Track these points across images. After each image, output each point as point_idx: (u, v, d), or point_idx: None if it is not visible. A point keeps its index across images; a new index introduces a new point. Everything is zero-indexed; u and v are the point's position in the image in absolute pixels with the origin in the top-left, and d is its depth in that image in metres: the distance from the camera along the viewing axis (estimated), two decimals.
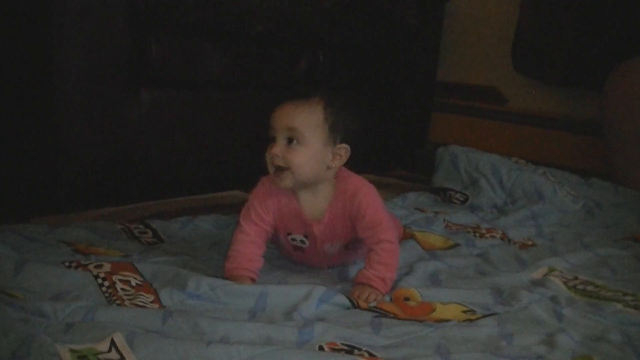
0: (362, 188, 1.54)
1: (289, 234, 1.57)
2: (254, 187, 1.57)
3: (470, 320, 1.37)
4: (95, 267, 1.41)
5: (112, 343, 1.10)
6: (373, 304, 1.42)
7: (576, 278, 1.65)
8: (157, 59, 2.22)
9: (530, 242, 1.98)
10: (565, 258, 1.79)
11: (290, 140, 1.45)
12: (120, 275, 1.39)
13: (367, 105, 3.06)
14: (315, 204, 1.54)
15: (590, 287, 1.60)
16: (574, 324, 1.37)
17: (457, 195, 2.36)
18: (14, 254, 1.44)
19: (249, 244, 1.52)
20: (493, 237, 1.99)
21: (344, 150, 1.51)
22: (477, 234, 2.00)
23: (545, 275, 1.66)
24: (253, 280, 1.49)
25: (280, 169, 1.46)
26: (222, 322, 1.23)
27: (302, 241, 1.58)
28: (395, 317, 1.37)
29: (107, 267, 1.42)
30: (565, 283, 1.61)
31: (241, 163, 2.60)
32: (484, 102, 3.61)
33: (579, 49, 3.13)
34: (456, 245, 1.90)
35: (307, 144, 1.45)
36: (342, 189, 1.54)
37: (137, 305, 1.28)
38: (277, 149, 1.46)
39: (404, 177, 3.04)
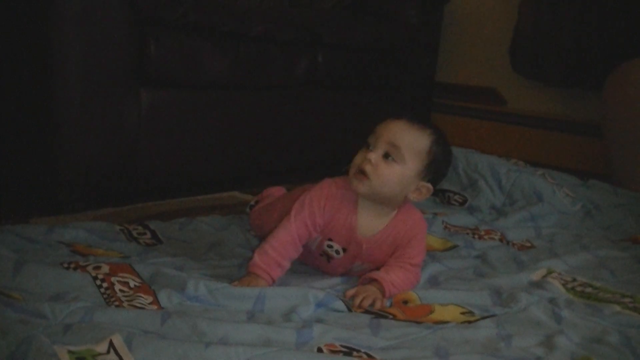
0: (420, 224, 1.58)
1: (330, 240, 1.56)
2: (317, 185, 1.57)
3: (469, 321, 1.38)
4: (94, 268, 1.41)
5: (111, 344, 1.10)
6: (371, 308, 1.42)
7: (575, 280, 1.66)
8: (157, 59, 2.22)
9: (529, 244, 1.98)
10: (564, 260, 1.79)
11: (387, 155, 1.46)
12: (118, 276, 1.39)
13: (365, 105, 3.06)
14: (372, 222, 1.54)
15: (589, 289, 1.60)
16: (573, 326, 1.37)
17: (456, 197, 2.36)
18: (13, 254, 1.44)
19: (288, 245, 1.51)
20: (492, 238, 1.99)
21: (426, 189, 1.52)
22: (476, 236, 2.00)
23: (544, 277, 1.66)
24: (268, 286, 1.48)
25: (363, 174, 1.47)
26: (221, 323, 1.23)
27: (337, 251, 1.57)
28: (394, 318, 1.38)
29: (105, 268, 1.42)
30: (564, 285, 1.61)
31: (240, 163, 2.60)
32: (482, 103, 3.61)
33: (578, 50, 3.13)
34: (455, 246, 1.90)
35: (402, 167, 1.47)
36: (403, 217, 1.55)
37: (135, 307, 1.28)
38: (374, 156, 1.47)
39: None
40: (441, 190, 2.40)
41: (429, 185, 1.52)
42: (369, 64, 3.03)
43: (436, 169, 1.51)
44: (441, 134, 1.52)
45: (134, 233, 1.77)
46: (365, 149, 1.49)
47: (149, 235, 1.78)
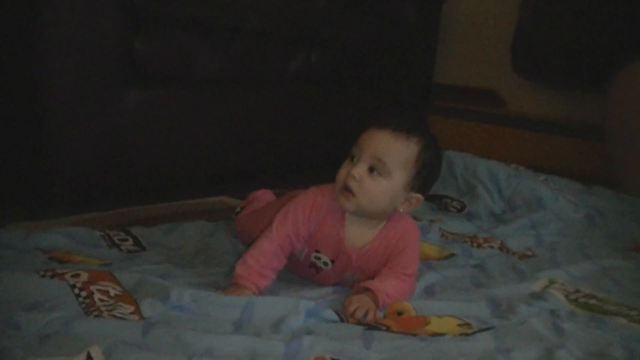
0: (412, 231, 1.57)
1: (317, 251, 1.55)
2: (302, 194, 1.56)
3: (466, 334, 1.37)
4: (72, 276, 1.40)
5: (89, 357, 1.09)
6: (363, 319, 1.41)
7: (578, 291, 1.65)
8: (146, 55, 2.21)
9: (529, 253, 1.97)
10: (566, 269, 1.79)
11: (372, 169, 1.45)
12: (98, 284, 1.38)
13: (360, 106, 3.06)
14: (360, 233, 1.54)
15: (592, 301, 1.60)
16: (575, 339, 1.37)
17: (454, 203, 2.35)
18: None
19: (270, 256, 1.50)
20: (491, 247, 1.98)
21: (416, 199, 1.51)
22: (474, 244, 2.00)
23: (545, 287, 1.65)
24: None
25: (348, 191, 1.46)
26: (206, 334, 1.22)
27: (325, 263, 1.56)
28: (388, 330, 1.37)
29: (84, 276, 1.40)
30: (566, 296, 1.61)
31: (232, 164, 2.60)
32: (482, 105, 3.61)
33: (581, 50, 3.13)
34: (452, 255, 1.89)
35: (389, 181, 1.45)
36: (393, 226, 1.54)
37: (116, 317, 1.27)
38: (358, 172, 1.45)
39: None
40: (438, 196, 2.39)
41: (419, 196, 1.51)
42: (365, 63, 3.03)
43: (425, 177, 1.50)
44: (429, 138, 1.50)
45: (116, 239, 1.76)
46: (350, 160, 1.48)
47: (131, 241, 1.77)
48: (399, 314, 1.46)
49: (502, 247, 1.99)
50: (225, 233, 1.90)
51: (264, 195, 1.98)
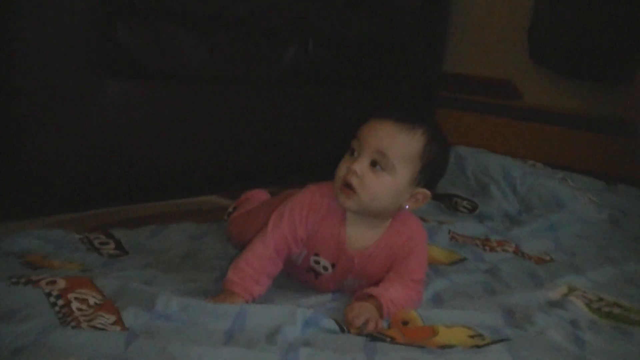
0: (419, 233, 1.57)
1: (316, 254, 1.55)
2: (299, 193, 1.56)
3: (478, 346, 1.37)
4: (48, 283, 1.40)
5: None
6: (363, 327, 1.41)
7: (600, 299, 1.65)
8: (126, 46, 2.21)
9: (547, 257, 1.98)
10: (587, 275, 1.79)
11: (374, 164, 1.45)
12: (76, 292, 1.38)
13: (361, 99, 3.06)
14: (363, 234, 1.53)
15: (616, 309, 1.60)
16: (598, 352, 1.37)
17: (464, 203, 2.36)
18: None
19: (265, 260, 1.50)
20: (504, 250, 1.99)
21: (423, 195, 1.50)
22: (487, 247, 2.00)
23: (565, 295, 1.66)
24: None
25: (349, 188, 1.45)
26: (195, 346, 1.22)
27: (325, 267, 1.56)
28: (392, 341, 1.36)
29: (61, 283, 1.40)
30: (587, 304, 1.61)
31: (220, 164, 2.59)
32: (495, 97, 3.61)
33: (606, 37, 3.13)
34: (462, 259, 1.89)
35: (392, 176, 1.45)
36: (397, 228, 1.54)
37: (95, 328, 1.27)
38: (359, 167, 1.44)
39: None
40: (447, 196, 2.39)
41: (426, 191, 1.50)
42: (366, 53, 3.03)
43: (432, 171, 1.49)
44: (435, 130, 1.50)
45: (96, 242, 1.76)
46: (349, 155, 1.48)
47: (112, 244, 1.77)
48: (405, 323, 1.46)
49: (517, 251, 1.99)
50: (216, 236, 1.91)
51: (259, 195, 1.98)
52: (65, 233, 1.77)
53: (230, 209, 1.95)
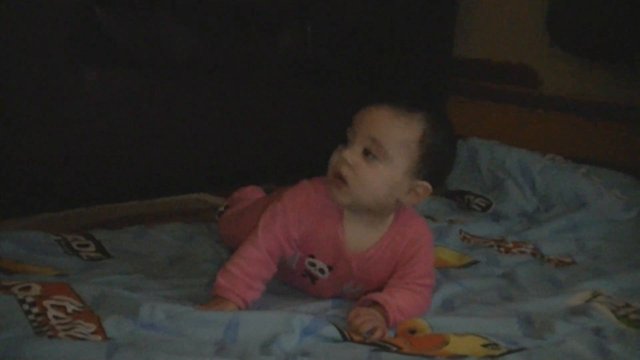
0: (424, 236, 1.57)
1: (312, 257, 1.56)
2: (291, 190, 1.56)
3: (493, 356, 1.37)
4: (21, 289, 1.40)
5: None
6: (367, 335, 1.41)
7: (627, 305, 1.65)
8: (107, 32, 2.21)
9: (568, 259, 1.98)
10: (613, 279, 1.79)
11: (367, 152, 1.44)
12: (53, 299, 1.38)
13: (366, 87, 3.05)
14: (362, 234, 1.54)
15: None
16: None
17: (477, 200, 2.36)
18: None
19: (257, 263, 1.50)
20: (522, 252, 1.99)
21: (424, 189, 1.49)
22: (502, 249, 2.00)
23: (588, 301, 1.66)
24: None
25: (341, 179, 1.45)
26: (183, 358, 1.22)
27: (321, 270, 1.56)
28: (399, 351, 1.37)
29: (37, 289, 1.40)
30: (614, 312, 1.61)
31: (209, 160, 2.59)
32: (512, 84, 3.61)
33: (637, 16, 3.12)
34: (475, 262, 1.90)
35: (387, 165, 1.44)
36: (400, 229, 1.54)
37: (74, 337, 1.27)
38: (351, 155, 1.45)
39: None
40: (459, 193, 2.40)
41: (426, 184, 1.48)
42: (369, 37, 3.02)
43: (433, 162, 1.48)
44: (438, 117, 1.49)
45: (75, 245, 1.77)
46: (344, 145, 1.48)
47: (93, 247, 1.78)
48: (412, 332, 1.46)
49: (535, 253, 1.99)
50: (206, 237, 1.91)
51: (252, 193, 1.99)
52: (41, 235, 1.77)
53: (221, 208, 1.95)
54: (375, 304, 1.48)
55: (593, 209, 2.28)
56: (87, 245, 1.77)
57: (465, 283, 1.74)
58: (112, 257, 1.75)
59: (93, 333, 1.30)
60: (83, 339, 1.27)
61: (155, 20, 2.33)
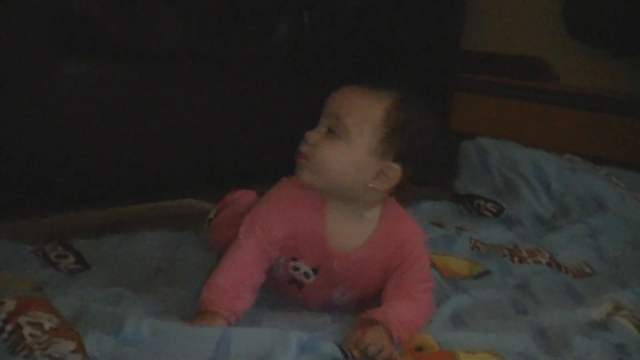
0: (415, 237, 1.58)
1: (294, 259, 1.56)
2: (272, 189, 1.59)
3: None
4: None
5: None
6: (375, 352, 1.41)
7: None
8: (87, 19, 2.21)
9: (587, 269, 1.98)
10: (636, 291, 1.79)
11: (330, 131, 1.47)
12: (29, 315, 1.38)
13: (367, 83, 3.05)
14: (347, 230, 1.54)
15: None
16: None
17: (488, 205, 2.36)
18: None
19: (245, 266, 1.50)
20: (537, 261, 1.99)
21: (393, 171, 1.49)
22: (515, 258, 2.00)
23: (609, 314, 1.65)
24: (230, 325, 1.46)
25: (304, 158, 1.48)
26: None
27: (306, 274, 1.56)
28: None
29: (10, 304, 1.40)
30: (637, 325, 1.60)
31: (198, 161, 2.59)
32: (525, 78, 3.61)
33: None
34: (486, 272, 1.90)
35: (347, 142, 1.46)
36: (388, 229, 1.55)
37: (52, 357, 1.27)
38: (312, 135, 1.48)
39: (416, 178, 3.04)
40: (468, 197, 2.40)
41: (395, 166, 1.49)
42: (371, 27, 3.03)
43: (402, 142, 1.48)
44: (410, 95, 1.50)
45: (52, 255, 1.77)
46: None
47: (72, 258, 1.78)
48: (419, 349, 1.46)
49: (552, 262, 1.99)
50: (195, 245, 1.92)
51: (245, 197, 1.98)
52: (15, 244, 1.77)
53: (211, 215, 1.95)
54: (374, 321, 1.47)
55: (613, 214, 2.27)
56: (65, 256, 1.77)
57: (476, 295, 1.74)
58: (92, 268, 1.75)
59: (72, 352, 1.30)
60: (61, 359, 1.27)
61: (140, 7, 2.33)
